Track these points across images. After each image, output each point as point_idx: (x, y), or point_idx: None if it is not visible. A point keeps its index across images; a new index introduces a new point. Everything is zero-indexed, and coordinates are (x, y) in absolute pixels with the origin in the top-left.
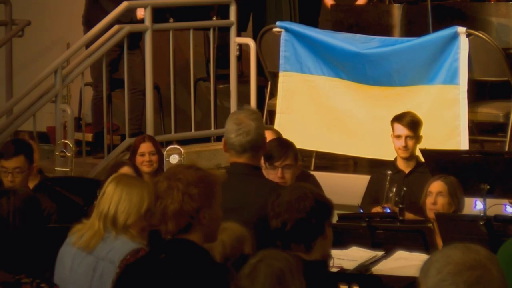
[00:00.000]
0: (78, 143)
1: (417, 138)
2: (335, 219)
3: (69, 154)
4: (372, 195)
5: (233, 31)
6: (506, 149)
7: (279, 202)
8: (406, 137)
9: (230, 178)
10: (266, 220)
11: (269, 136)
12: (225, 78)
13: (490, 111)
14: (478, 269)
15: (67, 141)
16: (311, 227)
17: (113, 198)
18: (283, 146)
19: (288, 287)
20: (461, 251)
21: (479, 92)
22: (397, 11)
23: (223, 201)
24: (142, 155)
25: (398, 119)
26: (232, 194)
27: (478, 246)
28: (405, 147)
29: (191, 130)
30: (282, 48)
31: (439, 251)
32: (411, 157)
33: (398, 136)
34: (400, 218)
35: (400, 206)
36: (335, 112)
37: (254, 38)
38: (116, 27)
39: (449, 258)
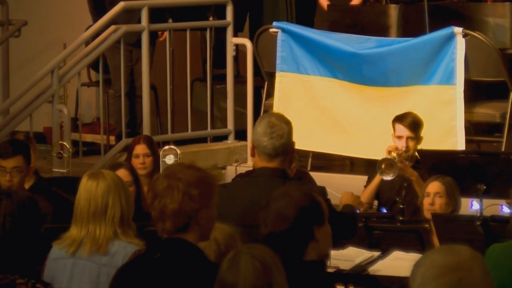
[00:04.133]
0: (74, 143)
1: (417, 139)
2: None
3: (66, 155)
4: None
5: (229, 31)
6: (503, 150)
7: (266, 211)
8: (408, 138)
9: (258, 180)
10: None
11: None
12: (222, 79)
13: (487, 112)
14: (459, 272)
15: (64, 142)
16: (298, 235)
17: (114, 196)
18: None
19: (273, 274)
20: (442, 254)
21: (475, 92)
22: (393, 11)
23: (249, 203)
24: (137, 156)
25: (399, 119)
26: (261, 196)
27: (463, 247)
28: (406, 147)
29: (187, 131)
30: (278, 49)
31: (425, 255)
32: (410, 157)
33: (399, 137)
34: (401, 218)
35: (401, 206)
36: (331, 112)
37: (251, 38)
38: (112, 27)
39: (432, 261)
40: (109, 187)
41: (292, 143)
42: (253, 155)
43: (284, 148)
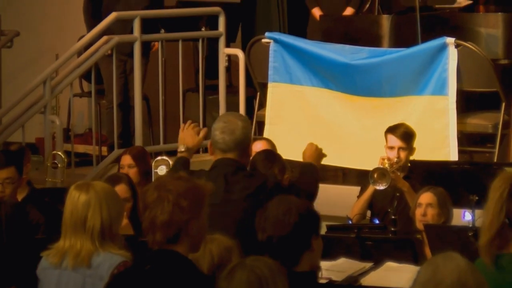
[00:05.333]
0: (67, 154)
1: (410, 149)
2: (324, 231)
3: (60, 165)
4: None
5: (222, 41)
6: (495, 160)
7: (265, 216)
8: (399, 148)
9: (215, 173)
10: (251, 218)
11: (263, 146)
12: (214, 89)
13: (479, 122)
14: None
15: (59, 152)
16: (296, 242)
17: (94, 209)
18: (269, 161)
19: None
20: (427, 270)
21: (468, 102)
22: (386, 21)
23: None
24: (122, 168)
25: (391, 130)
26: (217, 189)
27: (452, 270)
28: (398, 158)
29: None
30: (271, 59)
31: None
32: (402, 168)
33: (391, 147)
34: (393, 229)
35: (393, 217)
36: (324, 122)
37: (243, 48)
38: (104, 37)
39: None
40: (89, 199)
41: (247, 139)
42: (211, 153)
43: (236, 143)
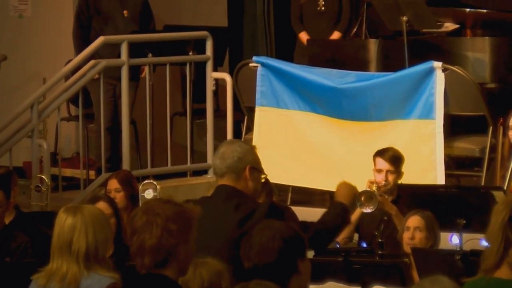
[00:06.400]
0: (54, 178)
1: (398, 173)
2: (311, 254)
3: (44, 189)
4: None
5: (209, 66)
6: (482, 184)
7: (249, 244)
8: (387, 171)
9: (212, 199)
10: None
11: None
12: (202, 113)
13: (466, 146)
14: None
15: (42, 176)
16: (282, 268)
17: (80, 232)
18: None
19: None
20: None
21: (455, 126)
22: (373, 46)
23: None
24: (109, 192)
25: (380, 153)
26: (211, 216)
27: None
28: (386, 181)
29: (167, 165)
30: (258, 83)
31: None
32: (391, 191)
33: (379, 170)
34: (380, 252)
35: (379, 240)
36: (311, 146)
37: (231, 73)
38: (92, 61)
39: None
40: (75, 223)
41: (241, 163)
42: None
43: (228, 168)
